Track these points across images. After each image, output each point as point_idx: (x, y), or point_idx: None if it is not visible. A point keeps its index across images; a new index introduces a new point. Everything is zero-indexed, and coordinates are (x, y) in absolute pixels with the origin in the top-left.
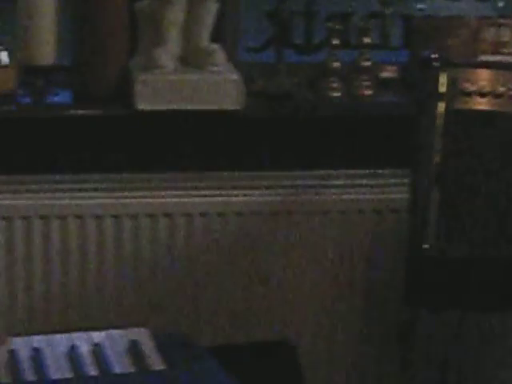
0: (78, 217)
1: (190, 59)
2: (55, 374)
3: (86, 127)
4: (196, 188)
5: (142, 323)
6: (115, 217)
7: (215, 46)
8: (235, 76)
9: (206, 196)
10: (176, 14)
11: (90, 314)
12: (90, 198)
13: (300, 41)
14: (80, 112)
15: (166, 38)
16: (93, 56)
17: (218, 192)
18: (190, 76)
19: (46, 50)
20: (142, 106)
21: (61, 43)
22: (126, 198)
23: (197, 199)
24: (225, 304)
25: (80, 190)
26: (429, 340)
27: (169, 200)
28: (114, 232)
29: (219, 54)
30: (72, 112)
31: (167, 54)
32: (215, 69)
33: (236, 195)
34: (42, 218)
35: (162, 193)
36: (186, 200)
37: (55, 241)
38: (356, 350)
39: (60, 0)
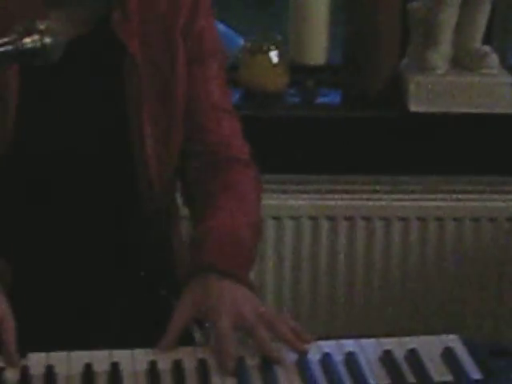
0: (347, 218)
1: (462, 61)
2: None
3: (356, 128)
4: (465, 192)
5: (449, 330)
6: (385, 219)
7: (487, 48)
8: (509, 79)
9: (475, 200)
10: (449, 15)
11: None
12: (361, 199)
13: None
14: (349, 113)
15: (438, 39)
16: (364, 56)
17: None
18: (462, 78)
19: (318, 50)
20: (415, 107)
21: (330, 42)
22: (397, 200)
23: (467, 203)
24: None
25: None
26: None
27: (440, 203)
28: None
29: (492, 57)
30: (341, 113)
31: (439, 56)
32: (488, 71)
33: None
34: (311, 218)
35: (433, 196)
36: (454, 204)
37: (325, 242)
38: None
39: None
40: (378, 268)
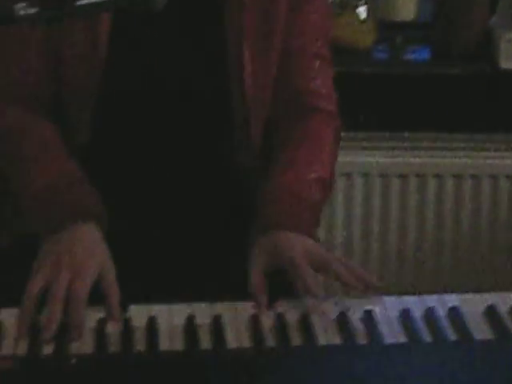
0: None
1: None
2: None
3: (444, 85)
4: None
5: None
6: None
7: None
8: None
9: None
10: None
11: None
12: (431, 156)
13: None
14: (438, 70)
15: None
16: (454, 13)
17: None
18: None
19: (407, 6)
20: (507, 64)
21: None
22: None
23: None
24: None
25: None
26: None
27: None
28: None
29: None
30: (430, 70)
31: None
32: None
33: None
34: (381, 176)
35: None
36: None
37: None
38: None
39: None
40: (448, 225)
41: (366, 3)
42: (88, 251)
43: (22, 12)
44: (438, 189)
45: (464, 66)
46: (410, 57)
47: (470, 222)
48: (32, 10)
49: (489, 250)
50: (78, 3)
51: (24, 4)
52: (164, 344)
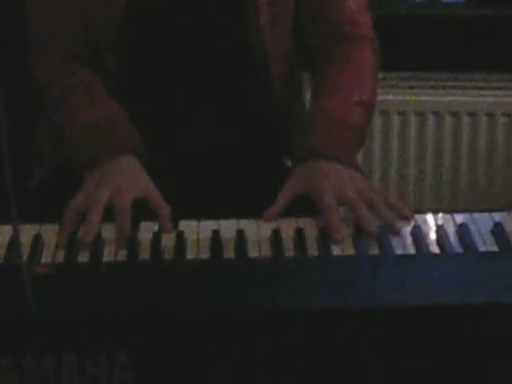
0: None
1: None
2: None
3: (480, 27)
4: None
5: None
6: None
7: None
8: None
9: None
10: None
11: None
12: (465, 95)
13: None
14: (474, 11)
15: None
16: None
17: None
18: None
19: None
20: None
21: None
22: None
23: None
24: None
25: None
26: None
27: None
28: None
29: None
30: (466, 11)
31: None
32: None
33: None
34: (416, 114)
35: None
36: None
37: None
38: None
39: None
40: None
41: None
42: (129, 174)
43: None
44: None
45: (499, 8)
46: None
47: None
48: None
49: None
50: None
51: None
52: (191, 254)
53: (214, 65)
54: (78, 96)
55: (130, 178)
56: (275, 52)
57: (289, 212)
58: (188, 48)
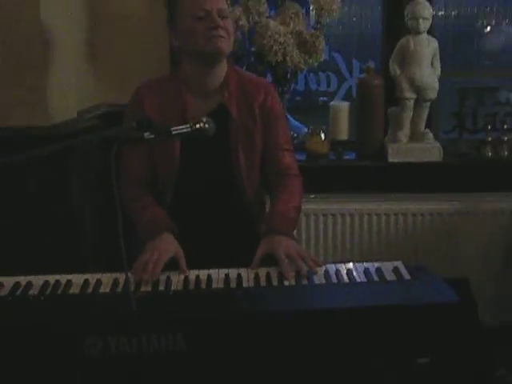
0: None
1: (414, 136)
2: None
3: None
4: None
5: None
6: None
7: (427, 130)
8: (437, 145)
9: None
10: (408, 114)
11: None
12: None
13: None
14: (359, 163)
15: (402, 125)
16: (366, 134)
17: None
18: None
19: (343, 131)
20: (392, 159)
21: (351, 129)
22: None
23: None
24: None
25: None
26: None
27: None
28: None
29: (429, 135)
30: (354, 163)
31: (402, 133)
32: (428, 141)
33: None
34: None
35: None
36: None
37: None
38: None
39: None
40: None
41: (323, 132)
42: (167, 244)
43: (147, 136)
44: None
45: (367, 161)
46: (348, 156)
47: None
48: (151, 136)
49: None
50: (173, 132)
51: (148, 133)
52: (191, 286)
53: (216, 190)
54: (144, 207)
55: (168, 246)
56: (248, 178)
57: (263, 263)
58: (205, 187)
